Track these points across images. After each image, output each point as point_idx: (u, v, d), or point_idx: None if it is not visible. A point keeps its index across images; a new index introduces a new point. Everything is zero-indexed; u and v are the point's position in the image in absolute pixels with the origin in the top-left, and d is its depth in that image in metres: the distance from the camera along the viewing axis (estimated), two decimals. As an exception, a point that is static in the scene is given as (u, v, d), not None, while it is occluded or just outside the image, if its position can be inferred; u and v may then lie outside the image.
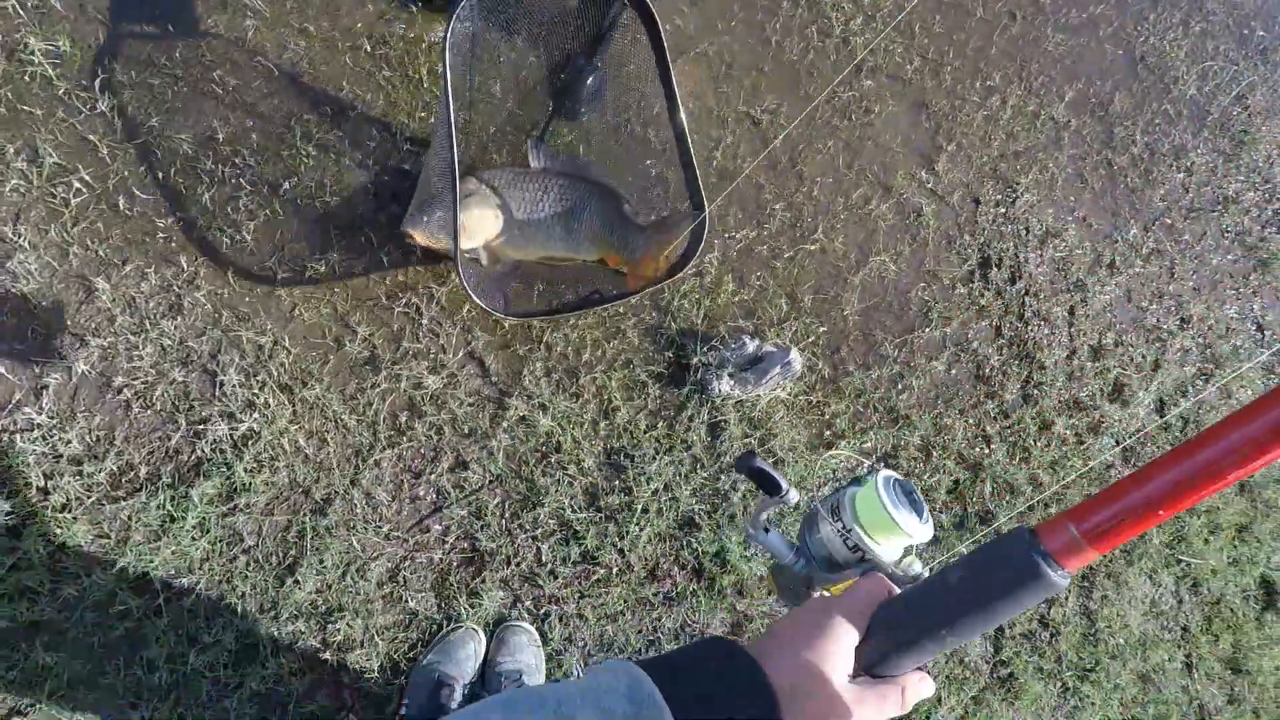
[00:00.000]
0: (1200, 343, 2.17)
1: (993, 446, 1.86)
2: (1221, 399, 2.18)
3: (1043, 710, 1.79)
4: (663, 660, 0.48)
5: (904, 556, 0.58)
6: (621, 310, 1.64)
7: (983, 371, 1.90)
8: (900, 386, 1.82)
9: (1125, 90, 2.33)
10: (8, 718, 1.27)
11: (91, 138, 1.43)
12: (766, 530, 0.62)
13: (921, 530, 0.57)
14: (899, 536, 0.56)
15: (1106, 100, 2.29)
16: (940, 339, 1.89)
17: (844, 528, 0.58)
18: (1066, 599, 1.85)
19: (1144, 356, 2.08)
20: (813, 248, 1.82)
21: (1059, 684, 1.82)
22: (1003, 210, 2.05)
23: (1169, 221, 2.25)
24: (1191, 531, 2.00)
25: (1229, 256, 2.30)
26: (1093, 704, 1.82)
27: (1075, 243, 2.11)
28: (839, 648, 0.49)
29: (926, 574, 0.58)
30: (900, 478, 0.60)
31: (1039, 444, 1.90)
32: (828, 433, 1.73)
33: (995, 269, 1.99)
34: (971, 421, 1.86)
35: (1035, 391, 1.93)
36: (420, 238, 1.46)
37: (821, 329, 1.78)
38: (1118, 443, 1.99)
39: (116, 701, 1.31)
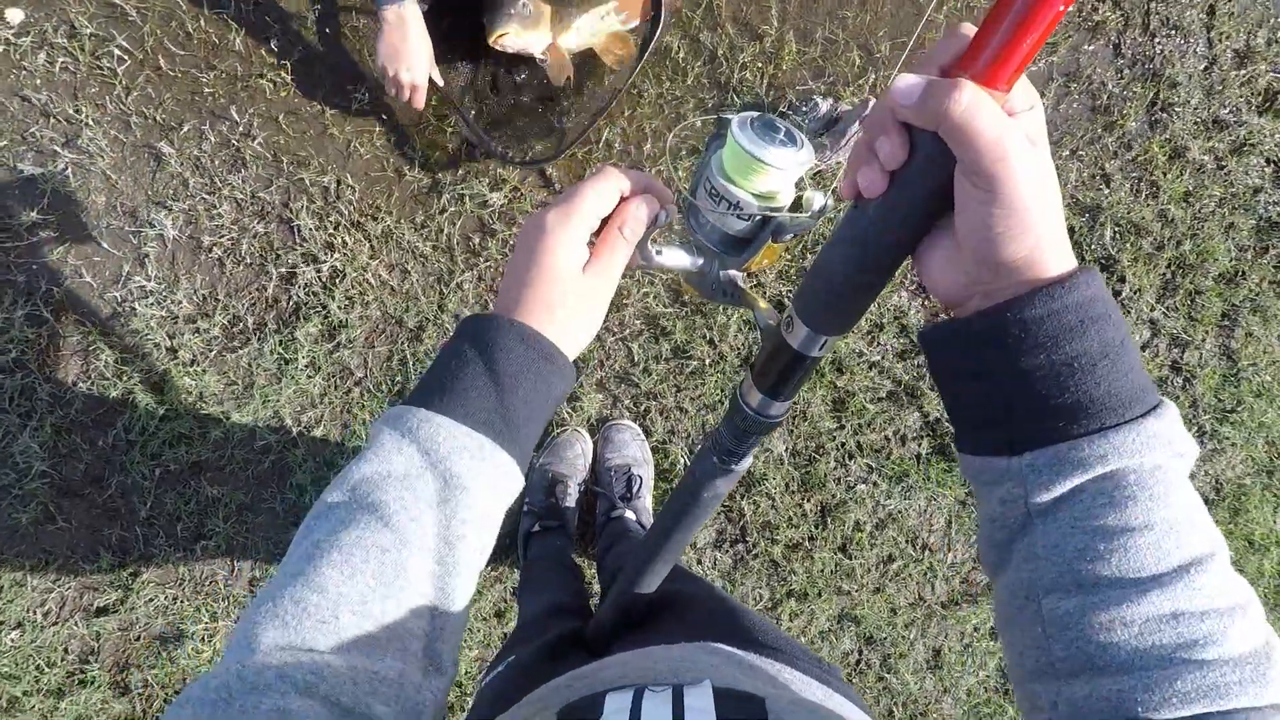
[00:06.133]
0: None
1: (1113, 185, 1.66)
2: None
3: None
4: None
5: (801, 196, 0.49)
6: (679, 94, 1.52)
7: (1099, 100, 1.66)
8: (1000, 133, 1.63)
9: None
10: (195, 541, 1.46)
11: (117, 2, 1.40)
12: (659, 252, 0.53)
13: (793, 157, 0.47)
14: (770, 171, 0.47)
15: None
16: (1045, 71, 1.65)
17: (713, 191, 0.49)
18: (1204, 340, 1.70)
19: (1304, 55, 1.75)
20: (885, -14, 1.59)
21: (1194, 429, 1.72)
22: (1119, -100, 1.70)
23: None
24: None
25: None
26: (1233, 445, 1.72)
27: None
28: (558, 242, 0.47)
29: (830, 203, 0.49)
30: (760, 115, 0.49)
31: (1169, 175, 1.68)
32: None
33: (1111, -24, 1.68)
34: (1087, 160, 1.65)
35: (1164, 115, 1.68)
36: (515, 32, 1.33)
37: (903, 81, 1.59)
38: (1268, 161, 1.72)
39: (278, 522, 1.48)
